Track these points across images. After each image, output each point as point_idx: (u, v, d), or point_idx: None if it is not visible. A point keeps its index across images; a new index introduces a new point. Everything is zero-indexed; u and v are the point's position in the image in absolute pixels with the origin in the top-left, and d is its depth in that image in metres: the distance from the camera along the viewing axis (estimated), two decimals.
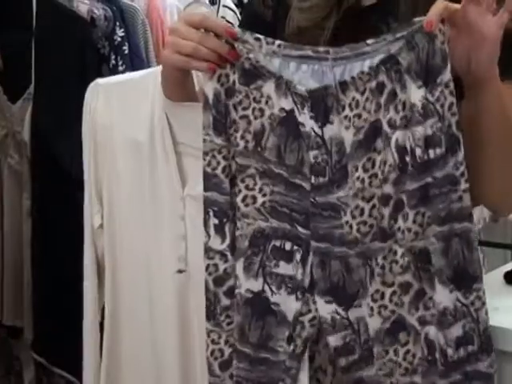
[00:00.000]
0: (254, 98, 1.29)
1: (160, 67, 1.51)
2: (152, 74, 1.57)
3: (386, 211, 1.27)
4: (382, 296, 1.28)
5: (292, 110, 1.28)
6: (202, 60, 1.29)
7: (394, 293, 1.28)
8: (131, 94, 1.60)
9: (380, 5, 1.54)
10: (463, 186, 1.24)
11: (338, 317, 1.29)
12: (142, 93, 1.57)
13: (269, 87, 1.28)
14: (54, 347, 2.00)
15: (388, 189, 1.26)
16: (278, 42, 1.30)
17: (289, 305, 1.31)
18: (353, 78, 1.27)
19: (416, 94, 1.24)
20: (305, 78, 1.28)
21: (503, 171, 1.41)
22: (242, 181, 1.31)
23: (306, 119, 1.28)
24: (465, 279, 1.25)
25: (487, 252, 1.86)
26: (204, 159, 1.33)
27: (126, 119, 1.60)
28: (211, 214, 1.33)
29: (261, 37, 1.29)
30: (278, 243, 1.31)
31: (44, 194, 2.00)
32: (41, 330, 2.01)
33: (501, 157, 1.38)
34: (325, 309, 1.30)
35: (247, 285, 1.31)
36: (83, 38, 2.04)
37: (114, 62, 2.06)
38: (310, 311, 1.30)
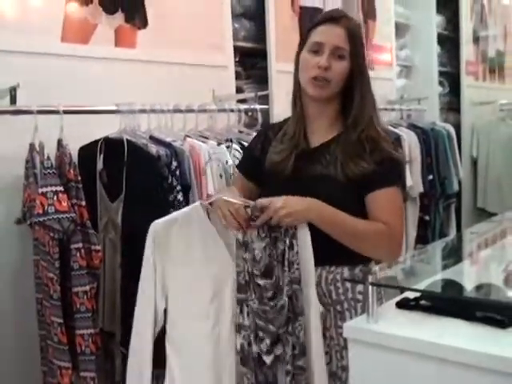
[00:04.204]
0: None
1: (197, 204, 1.57)
2: (194, 209, 1.56)
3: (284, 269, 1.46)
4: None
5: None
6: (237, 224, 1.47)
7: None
8: (183, 221, 1.55)
9: (320, 148, 1.66)
10: (295, 266, 1.44)
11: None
12: (189, 218, 1.55)
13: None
14: None
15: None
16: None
17: None
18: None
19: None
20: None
21: (356, 247, 1.55)
22: None
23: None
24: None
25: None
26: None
27: (181, 237, 1.54)
28: None
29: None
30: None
31: (127, 255, 2.03)
32: (125, 333, 1.97)
33: (347, 242, 1.52)
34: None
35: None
36: (153, 167, 2.05)
37: (170, 180, 2.08)
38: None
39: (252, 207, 1.46)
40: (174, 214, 1.58)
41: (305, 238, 1.47)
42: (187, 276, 1.54)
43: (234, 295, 1.51)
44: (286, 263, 1.45)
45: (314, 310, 1.47)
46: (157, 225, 1.55)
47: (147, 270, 1.56)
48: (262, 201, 1.47)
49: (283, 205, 1.45)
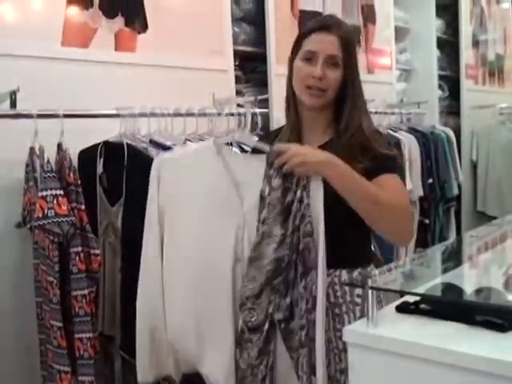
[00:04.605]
0: None
1: (210, 141, 1.63)
2: (206, 146, 1.61)
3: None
4: None
5: None
6: None
7: None
8: (191, 156, 1.59)
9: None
10: (307, 219, 1.41)
11: None
12: (199, 154, 1.60)
13: None
14: (132, 348, 1.89)
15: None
16: None
17: None
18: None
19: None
20: None
21: (373, 217, 1.50)
22: None
23: None
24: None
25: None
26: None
27: (187, 172, 1.56)
28: None
29: None
30: None
31: (127, 259, 2.01)
32: (125, 336, 2.01)
33: (364, 210, 1.48)
34: None
35: None
36: None
37: None
38: None
39: (269, 152, 1.44)
40: (184, 149, 1.60)
41: (317, 191, 1.43)
42: (191, 210, 1.54)
43: (239, 235, 1.53)
44: (292, 216, 1.42)
45: (321, 263, 1.45)
46: (163, 160, 1.56)
47: (152, 203, 1.59)
48: (280, 146, 1.46)
49: (299, 153, 1.42)
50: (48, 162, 1.92)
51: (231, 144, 2.38)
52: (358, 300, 1.60)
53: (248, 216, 1.54)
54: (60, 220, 1.87)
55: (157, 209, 1.60)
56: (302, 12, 3.43)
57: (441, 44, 4.91)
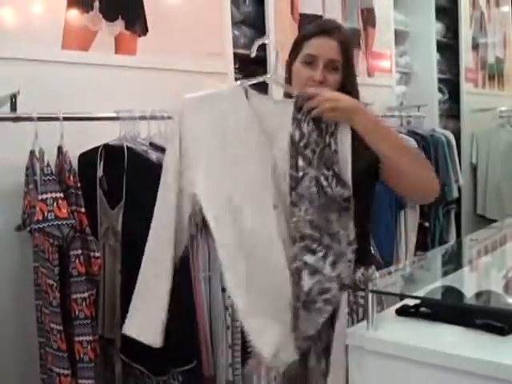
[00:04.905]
0: None
1: (237, 84, 1.55)
2: (234, 89, 1.53)
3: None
4: None
5: None
6: None
7: None
8: (217, 100, 1.51)
9: None
10: (335, 166, 1.40)
11: None
12: (231, 97, 1.51)
13: None
14: (132, 351, 1.99)
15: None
16: None
17: None
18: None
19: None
20: None
21: (399, 165, 1.46)
22: None
23: None
24: None
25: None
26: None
27: (213, 116, 1.48)
28: None
29: None
30: None
31: (127, 262, 2.01)
32: (125, 339, 1.92)
33: (397, 159, 1.45)
34: None
35: None
36: (153, 173, 1.89)
37: None
38: None
39: (298, 96, 1.44)
40: (209, 92, 1.53)
41: (345, 139, 1.41)
42: (216, 158, 1.49)
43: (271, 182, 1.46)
44: (322, 162, 1.41)
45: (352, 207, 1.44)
46: (185, 101, 1.51)
47: (172, 149, 1.52)
48: (310, 90, 1.46)
49: (331, 97, 1.42)
50: (48, 164, 1.92)
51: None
52: (361, 301, 1.59)
53: (278, 161, 1.48)
54: (60, 223, 1.87)
55: (178, 155, 1.51)
56: (302, 15, 3.44)
57: (441, 47, 4.92)
